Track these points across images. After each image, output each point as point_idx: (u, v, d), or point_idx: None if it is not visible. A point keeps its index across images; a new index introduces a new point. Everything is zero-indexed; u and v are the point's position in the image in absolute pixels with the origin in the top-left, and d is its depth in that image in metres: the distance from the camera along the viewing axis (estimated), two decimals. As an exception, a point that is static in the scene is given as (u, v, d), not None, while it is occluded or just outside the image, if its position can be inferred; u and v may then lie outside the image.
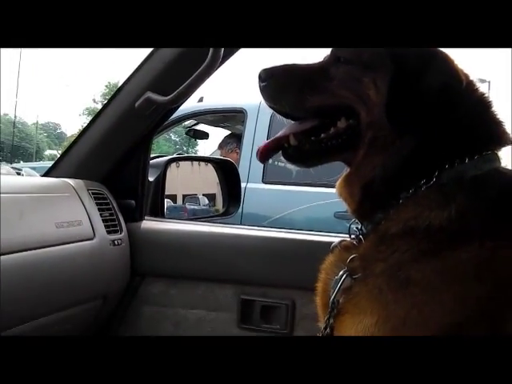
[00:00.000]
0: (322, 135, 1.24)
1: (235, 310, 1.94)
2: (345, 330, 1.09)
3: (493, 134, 1.18)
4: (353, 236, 1.24)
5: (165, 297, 2.03)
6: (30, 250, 1.55)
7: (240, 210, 3.27)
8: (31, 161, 29.59)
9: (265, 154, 1.28)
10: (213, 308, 1.97)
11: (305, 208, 4.24)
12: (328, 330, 1.14)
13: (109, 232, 1.91)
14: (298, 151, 1.26)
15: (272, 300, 1.90)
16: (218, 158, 3.67)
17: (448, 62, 1.17)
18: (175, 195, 3.12)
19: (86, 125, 2.10)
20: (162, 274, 2.04)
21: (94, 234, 1.84)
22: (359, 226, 1.22)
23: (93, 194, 1.94)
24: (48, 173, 2.06)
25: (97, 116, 2.03)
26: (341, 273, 1.15)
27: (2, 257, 1.45)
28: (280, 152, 1.28)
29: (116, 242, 1.93)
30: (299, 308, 1.87)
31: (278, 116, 1.31)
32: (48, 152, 47.62)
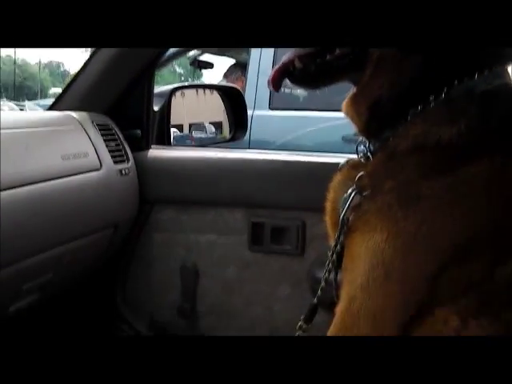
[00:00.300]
0: (328, 57, 1.21)
1: (246, 233, 1.96)
2: (355, 248, 1.09)
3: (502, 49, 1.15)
4: (361, 155, 1.22)
5: (175, 223, 2.04)
6: (37, 183, 1.56)
7: (247, 137, 3.24)
8: (36, 99, 29.37)
9: (276, 82, 1.25)
10: (223, 232, 1.99)
11: (312, 132, 4.22)
12: (338, 247, 1.14)
13: (115, 162, 1.91)
14: (304, 74, 1.22)
15: (282, 221, 1.91)
16: (224, 85, 3.62)
17: None
18: (181, 125, 3.09)
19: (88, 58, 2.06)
20: (171, 201, 2.05)
21: (101, 165, 1.83)
22: (367, 145, 1.20)
23: (98, 125, 1.92)
24: (52, 107, 2.05)
25: (98, 48, 2.00)
26: (349, 191, 1.13)
27: (9, 191, 1.46)
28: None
29: (123, 171, 1.93)
30: (309, 228, 1.88)
31: None
32: (53, 90, 47.21)
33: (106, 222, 1.89)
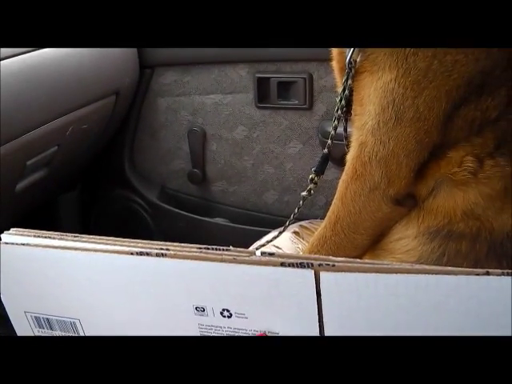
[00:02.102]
0: None
1: (251, 90, 1.90)
2: (363, 90, 1.03)
3: None
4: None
5: (178, 86, 1.99)
6: (29, 52, 1.49)
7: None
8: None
9: None
10: (229, 91, 1.93)
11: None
12: (347, 92, 1.08)
13: (111, 24, 1.82)
14: None
15: (288, 75, 1.84)
16: None
17: None
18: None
19: None
20: (172, 63, 1.97)
21: (96, 29, 1.75)
22: None
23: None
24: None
25: None
26: None
27: (2, 62, 1.40)
28: None
29: (119, 34, 1.85)
30: (316, 80, 1.81)
31: None
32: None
33: (106, 89, 1.83)
